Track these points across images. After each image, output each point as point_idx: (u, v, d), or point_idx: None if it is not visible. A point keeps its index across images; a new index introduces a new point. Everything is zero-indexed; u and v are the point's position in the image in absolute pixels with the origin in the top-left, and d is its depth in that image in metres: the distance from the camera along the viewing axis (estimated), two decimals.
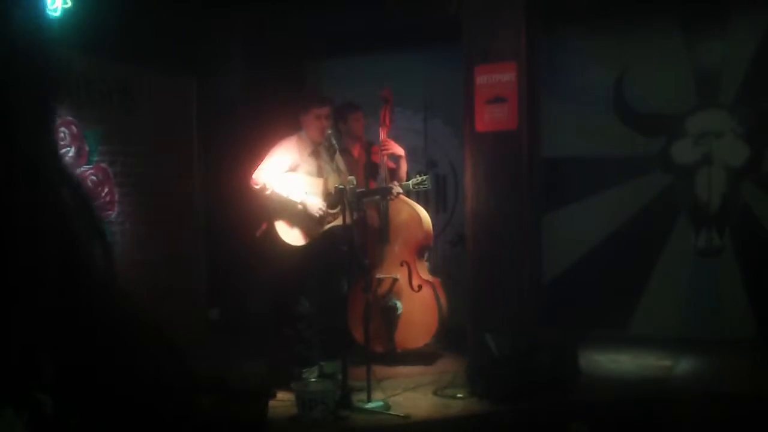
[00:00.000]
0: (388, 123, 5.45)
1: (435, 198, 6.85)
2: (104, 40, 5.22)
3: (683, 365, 5.21)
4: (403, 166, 5.47)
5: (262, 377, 4.71)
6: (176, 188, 6.14)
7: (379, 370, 4.87)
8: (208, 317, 6.37)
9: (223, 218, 6.14)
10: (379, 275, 5.33)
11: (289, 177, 4.77)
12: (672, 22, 6.04)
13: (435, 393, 4.67)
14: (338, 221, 4.66)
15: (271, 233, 4.74)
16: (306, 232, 4.74)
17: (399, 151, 5.46)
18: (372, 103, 5.57)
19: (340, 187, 4.54)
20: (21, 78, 0.64)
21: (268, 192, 4.68)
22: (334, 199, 4.72)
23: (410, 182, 5.25)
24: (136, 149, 5.74)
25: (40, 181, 0.64)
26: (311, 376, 4.78)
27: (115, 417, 0.67)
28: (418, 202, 5.71)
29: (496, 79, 5.05)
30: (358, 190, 4.76)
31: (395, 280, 5.39)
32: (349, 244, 4.55)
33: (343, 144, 5.45)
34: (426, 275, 5.48)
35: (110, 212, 5.57)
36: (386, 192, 5.22)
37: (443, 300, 5.42)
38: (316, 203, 4.71)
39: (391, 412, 4.28)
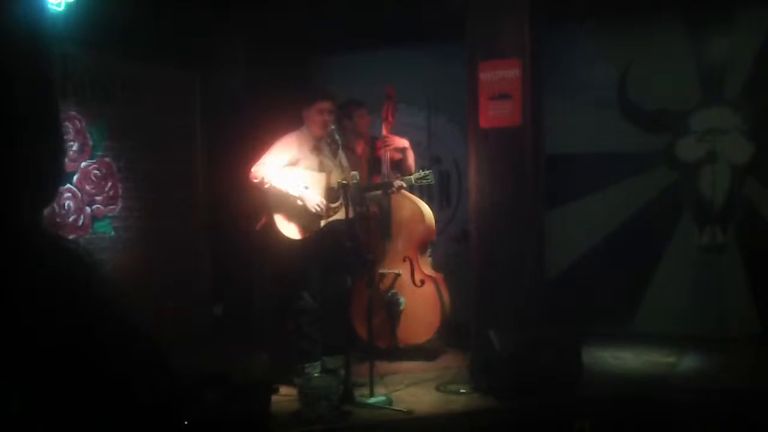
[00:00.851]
0: (390, 119, 5.46)
1: (438, 194, 6.85)
2: (108, 35, 5.22)
3: (687, 362, 5.20)
4: (410, 157, 5.47)
5: (265, 372, 4.71)
6: (179, 183, 6.14)
7: (382, 365, 4.87)
8: (212, 313, 6.38)
9: (226, 214, 6.15)
10: (381, 270, 5.34)
11: (290, 172, 4.76)
12: (676, 19, 6.03)
13: (438, 389, 4.68)
14: (339, 215, 4.66)
15: (271, 227, 4.74)
16: (305, 226, 4.74)
17: (402, 143, 5.46)
18: (376, 100, 5.57)
19: (343, 183, 4.54)
20: (20, 76, 0.64)
21: (267, 186, 4.68)
22: (335, 193, 4.72)
23: (413, 177, 5.26)
24: (139, 144, 5.74)
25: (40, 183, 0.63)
26: (314, 371, 4.78)
27: (92, 417, 0.66)
28: (421, 198, 5.71)
29: (501, 75, 5.03)
30: (360, 186, 4.77)
31: (398, 275, 5.39)
32: (352, 240, 4.54)
33: (346, 141, 5.45)
34: (429, 270, 5.48)
35: (114, 207, 5.57)
36: (387, 187, 5.23)
37: (446, 296, 5.42)
38: (314, 198, 4.71)
39: (394, 408, 4.28)
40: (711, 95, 5.95)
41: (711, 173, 5.95)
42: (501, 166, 5.04)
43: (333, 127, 4.78)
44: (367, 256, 4.62)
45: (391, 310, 5.34)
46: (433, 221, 5.51)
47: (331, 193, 4.79)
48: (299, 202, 4.69)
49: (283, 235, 4.72)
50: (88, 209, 5.43)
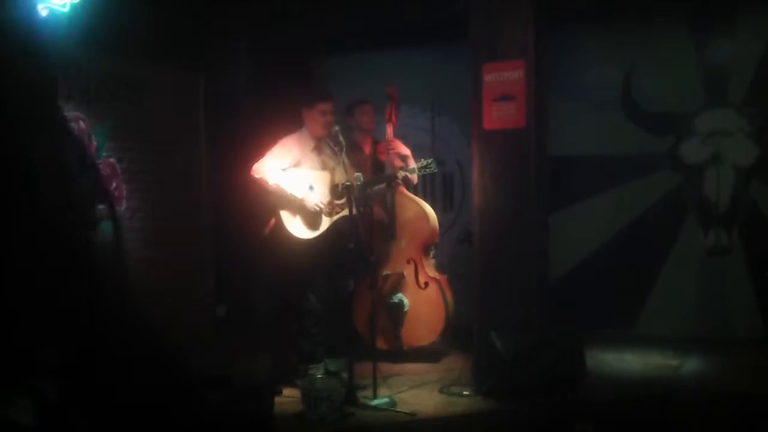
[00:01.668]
0: (394, 120, 5.47)
1: (442, 196, 6.86)
2: (112, 36, 5.23)
3: (690, 365, 5.19)
4: (410, 165, 5.49)
5: (267, 374, 4.71)
6: (183, 185, 6.14)
7: (385, 367, 4.87)
8: (215, 314, 6.38)
9: (229, 215, 6.15)
10: (385, 272, 5.33)
11: (294, 173, 4.77)
12: (680, 21, 6.02)
13: (441, 390, 4.68)
14: (346, 212, 4.66)
15: (281, 229, 4.74)
16: (312, 224, 4.75)
17: (405, 151, 5.48)
18: (378, 101, 5.58)
19: (347, 184, 4.54)
20: (18, 75, 0.64)
21: (270, 184, 4.69)
22: (340, 192, 4.73)
23: (416, 166, 5.28)
24: (143, 145, 5.74)
25: (40, 182, 0.63)
26: (317, 372, 4.79)
27: (116, 408, 0.67)
28: (424, 200, 5.71)
29: (504, 77, 5.03)
30: (363, 179, 4.79)
31: (401, 276, 5.39)
32: (356, 241, 4.55)
33: (353, 140, 5.46)
34: (432, 272, 5.48)
35: (118, 207, 5.57)
36: (391, 179, 5.25)
37: (449, 297, 5.42)
38: (314, 200, 4.72)
39: (397, 409, 4.29)
40: (715, 97, 5.94)
41: (715, 175, 5.94)
42: (504, 167, 5.03)
43: (337, 128, 4.77)
44: (370, 258, 4.62)
45: (395, 311, 5.33)
46: (437, 222, 5.51)
47: (336, 190, 4.80)
48: (301, 204, 4.70)
49: (293, 236, 4.73)
50: None
